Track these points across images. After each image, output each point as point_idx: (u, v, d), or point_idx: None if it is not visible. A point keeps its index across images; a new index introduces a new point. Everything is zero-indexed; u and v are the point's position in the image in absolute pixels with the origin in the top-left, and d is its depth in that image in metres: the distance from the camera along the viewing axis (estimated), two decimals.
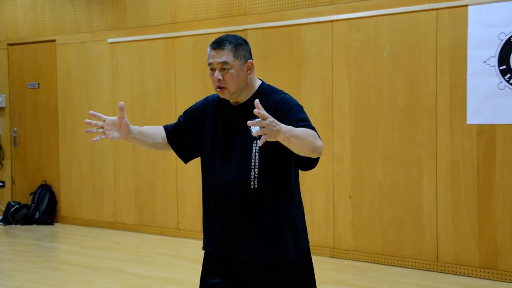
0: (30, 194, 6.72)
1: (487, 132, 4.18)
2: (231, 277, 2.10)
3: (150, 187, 5.91)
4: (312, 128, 1.95)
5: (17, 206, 6.60)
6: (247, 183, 2.01)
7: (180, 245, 5.46)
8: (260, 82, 2.13)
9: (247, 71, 2.05)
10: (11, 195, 6.98)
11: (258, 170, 2.01)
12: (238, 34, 5.13)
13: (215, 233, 2.10)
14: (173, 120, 5.61)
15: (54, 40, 6.55)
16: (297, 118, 1.97)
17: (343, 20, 4.73)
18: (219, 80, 2.01)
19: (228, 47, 2.01)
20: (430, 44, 4.36)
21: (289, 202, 2.07)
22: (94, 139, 1.99)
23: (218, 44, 2.02)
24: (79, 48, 6.35)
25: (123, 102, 2.06)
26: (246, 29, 5.20)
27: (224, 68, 2.00)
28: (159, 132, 2.23)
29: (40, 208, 6.56)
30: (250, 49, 2.09)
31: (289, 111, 2.00)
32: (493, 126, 4.15)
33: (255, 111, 1.74)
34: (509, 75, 4.08)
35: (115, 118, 2.03)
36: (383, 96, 4.58)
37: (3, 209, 6.79)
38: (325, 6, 4.82)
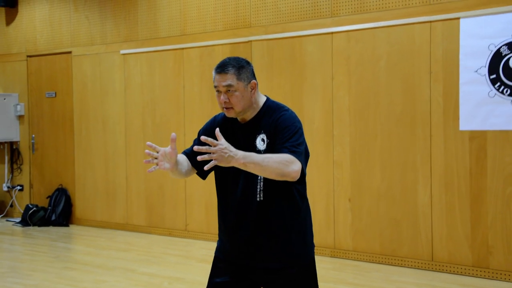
0: (47, 197, 6.77)
1: (478, 138, 4.22)
2: (239, 277, 2.14)
3: (160, 191, 5.95)
4: (294, 152, 1.96)
5: (34, 208, 6.66)
6: (253, 196, 2.07)
7: (189, 245, 5.47)
8: (265, 98, 2.17)
9: (251, 91, 2.09)
10: (29, 198, 7.04)
11: (263, 184, 2.05)
12: (243, 45, 5.38)
13: (227, 243, 2.17)
14: (181, 127, 5.84)
15: (70, 52, 6.61)
16: (282, 141, 2.01)
17: (342, 32, 4.79)
18: (225, 102, 2.06)
19: (231, 70, 2.06)
20: (425, 54, 4.41)
21: (295, 210, 2.12)
22: (150, 170, 2.00)
23: (221, 68, 2.08)
24: (94, 59, 6.41)
25: (175, 134, 2.02)
26: (251, 41, 5.26)
27: (229, 90, 2.05)
28: (184, 159, 2.20)
29: (57, 211, 6.61)
30: (252, 70, 2.13)
31: (281, 131, 2.04)
32: (484, 133, 4.19)
33: (202, 138, 1.83)
34: (499, 83, 4.15)
35: (168, 149, 1.99)
36: (381, 104, 4.63)
37: (22, 211, 6.86)
38: (326, 18, 4.89)
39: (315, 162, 4.95)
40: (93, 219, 6.54)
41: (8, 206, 7.25)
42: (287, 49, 5.09)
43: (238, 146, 2.07)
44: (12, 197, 7.22)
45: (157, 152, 2.01)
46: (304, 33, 4.97)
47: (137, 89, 6.13)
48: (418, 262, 4.52)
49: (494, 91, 4.18)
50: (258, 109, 2.14)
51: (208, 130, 2.24)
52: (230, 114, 2.12)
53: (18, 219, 6.89)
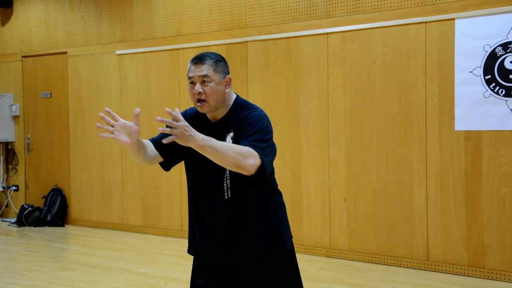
0: (42, 198, 6.78)
1: (474, 138, 4.23)
2: (219, 276, 2.13)
3: (156, 191, 5.96)
4: (255, 146, 1.93)
5: (30, 209, 6.66)
6: (221, 194, 2.06)
7: (184, 245, 5.24)
8: (235, 96, 2.15)
9: (225, 86, 2.08)
10: (24, 198, 7.04)
11: (230, 181, 2.05)
12: (239, 46, 5.39)
13: (197, 241, 2.16)
14: None
15: (65, 52, 6.61)
16: (247, 135, 1.99)
17: (338, 33, 4.79)
18: (199, 93, 2.03)
19: (209, 62, 2.05)
20: (420, 55, 4.43)
21: (265, 204, 2.11)
22: (103, 135, 1.94)
23: (199, 59, 2.06)
24: (89, 60, 6.41)
25: (139, 109, 2.00)
26: (246, 41, 5.27)
27: (204, 81, 2.03)
28: (150, 145, 2.18)
29: (52, 211, 6.61)
30: (228, 66, 2.14)
31: (247, 127, 2.02)
32: (479, 133, 4.21)
33: (166, 110, 1.80)
34: (493, 84, 4.16)
35: (128, 122, 1.97)
36: (376, 105, 4.65)
37: (17, 211, 6.86)
38: (321, 19, 4.90)
39: (311, 162, 4.96)
40: (88, 219, 6.54)
41: (4, 207, 7.25)
42: (283, 49, 5.09)
43: None
44: (7, 198, 7.21)
45: (116, 121, 1.96)
46: (300, 34, 4.98)
47: (133, 89, 6.13)
48: (414, 262, 4.53)
49: (489, 91, 4.20)
50: (229, 107, 2.12)
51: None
52: (203, 109, 2.08)
53: (14, 220, 6.89)
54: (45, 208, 6.70)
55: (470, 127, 4.26)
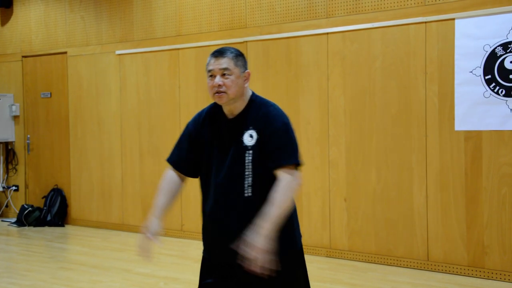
0: (42, 198, 6.78)
1: (474, 138, 4.24)
2: (227, 276, 2.14)
3: (156, 191, 6.02)
4: (287, 166, 2.00)
5: (30, 209, 6.66)
6: (241, 192, 2.06)
7: (184, 246, 5.49)
8: (251, 92, 2.19)
9: (244, 80, 2.12)
10: (24, 198, 7.05)
11: (252, 179, 2.06)
12: (239, 46, 5.40)
13: (212, 241, 2.17)
14: (176, 127, 5.84)
15: (65, 52, 6.61)
16: (273, 148, 2.03)
17: (338, 33, 4.80)
18: (219, 85, 2.06)
19: (230, 55, 2.09)
20: (420, 55, 4.43)
21: None
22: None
23: (220, 53, 2.10)
24: (89, 60, 6.42)
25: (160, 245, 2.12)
26: (246, 41, 5.27)
27: (224, 74, 2.07)
28: (174, 185, 2.26)
29: (52, 211, 6.62)
30: (246, 62, 2.17)
31: (272, 134, 2.05)
32: (479, 133, 4.21)
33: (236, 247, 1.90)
34: (493, 84, 4.17)
35: (147, 244, 2.12)
36: (376, 105, 4.65)
37: (17, 211, 6.87)
38: (321, 19, 4.91)
39: (311, 162, 4.96)
40: (88, 219, 6.55)
41: (4, 207, 7.25)
42: (283, 49, 5.10)
43: (221, 143, 2.12)
44: (7, 198, 7.21)
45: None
46: (300, 34, 4.99)
47: (133, 89, 6.13)
48: (414, 262, 4.54)
49: (489, 91, 4.20)
50: (245, 103, 2.14)
51: (192, 127, 2.24)
52: (221, 100, 2.09)
53: (14, 220, 6.89)
54: (45, 208, 6.71)
55: (470, 127, 4.26)
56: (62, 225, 6.63)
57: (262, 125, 2.07)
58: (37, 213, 6.70)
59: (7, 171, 7.19)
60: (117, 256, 5.16)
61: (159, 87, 5.93)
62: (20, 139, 7.13)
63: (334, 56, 4.84)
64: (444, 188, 4.38)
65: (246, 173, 2.07)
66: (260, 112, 2.10)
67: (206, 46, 5.54)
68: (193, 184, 6.13)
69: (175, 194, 2.25)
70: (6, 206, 7.23)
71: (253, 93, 2.20)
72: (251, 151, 2.07)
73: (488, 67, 4.19)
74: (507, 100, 4.14)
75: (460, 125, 4.30)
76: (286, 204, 1.98)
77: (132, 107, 6.12)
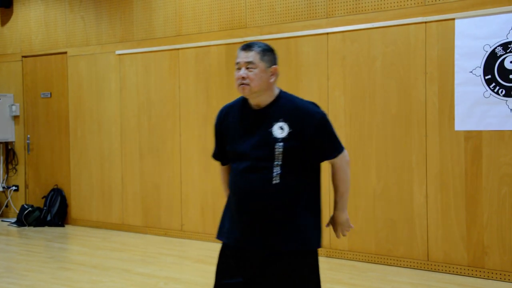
0: (42, 198, 6.79)
1: (474, 138, 4.24)
2: (248, 276, 2.16)
3: (156, 191, 5.97)
4: (337, 153, 2.22)
5: (30, 209, 6.66)
6: (269, 180, 2.11)
7: (184, 246, 5.48)
8: (279, 90, 2.24)
9: (270, 75, 2.16)
10: (24, 198, 7.05)
11: (281, 168, 2.11)
12: (238, 46, 5.34)
13: (236, 227, 2.19)
14: (176, 127, 5.85)
15: (65, 52, 6.62)
16: (329, 147, 2.20)
17: (338, 33, 4.80)
18: (243, 77, 2.12)
19: (257, 50, 2.15)
20: (420, 55, 4.43)
21: (311, 195, 2.18)
22: None
23: (248, 46, 2.17)
24: (89, 60, 6.42)
25: None
26: (246, 41, 5.31)
27: (248, 67, 2.13)
28: (228, 175, 2.38)
29: (52, 211, 6.62)
30: (276, 58, 2.21)
31: (317, 130, 2.15)
32: (479, 133, 4.22)
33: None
34: (493, 84, 4.17)
35: None
36: (376, 105, 4.65)
37: (17, 211, 6.87)
38: (321, 19, 4.91)
39: None
40: (88, 219, 6.55)
41: (4, 207, 7.25)
42: (283, 49, 5.08)
43: (248, 132, 2.18)
44: (7, 198, 7.22)
45: None
46: (300, 34, 4.99)
47: (133, 89, 6.14)
48: (414, 262, 4.54)
49: (489, 91, 4.21)
50: (274, 97, 2.19)
51: (217, 128, 2.36)
52: (244, 91, 2.16)
53: (14, 220, 6.89)
54: (45, 208, 6.71)
55: (470, 127, 4.26)
56: (62, 225, 6.64)
57: (296, 119, 2.13)
58: (37, 213, 6.70)
59: (7, 171, 7.20)
60: (117, 256, 5.15)
61: (159, 87, 5.93)
62: (20, 139, 7.13)
63: (334, 56, 4.84)
64: (444, 188, 4.38)
65: (275, 162, 2.12)
66: (292, 106, 2.16)
67: (206, 46, 5.55)
68: (193, 184, 6.15)
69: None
70: (6, 206, 7.24)
71: (281, 90, 2.25)
72: (281, 143, 2.12)
73: (488, 67, 4.19)
74: (507, 100, 4.14)
75: (460, 125, 4.30)
76: (348, 184, 2.25)
77: (132, 107, 6.12)
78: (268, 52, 2.17)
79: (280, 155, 2.12)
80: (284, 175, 2.12)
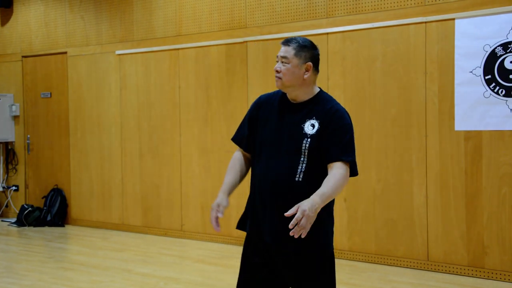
0: (42, 198, 6.79)
1: (474, 138, 4.24)
2: (267, 259, 2.21)
3: (156, 192, 5.97)
4: (345, 158, 2.11)
5: (30, 209, 6.67)
6: (292, 176, 2.13)
7: (184, 246, 5.49)
8: (319, 89, 2.29)
9: (304, 72, 2.19)
10: (24, 198, 7.06)
11: (306, 165, 2.14)
12: (239, 46, 5.39)
13: (258, 219, 2.22)
14: (176, 127, 5.84)
15: (65, 52, 6.62)
16: (337, 142, 2.13)
17: (338, 33, 4.80)
18: (277, 71, 2.20)
19: (293, 45, 2.19)
20: (420, 55, 4.44)
21: None
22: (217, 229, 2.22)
23: (286, 41, 2.23)
24: (89, 60, 6.43)
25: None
26: (246, 41, 5.28)
27: (283, 62, 2.19)
28: (240, 163, 2.35)
29: (52, 211, 6.63)
30: (316, 55, 2.24)
31: (336, 130, 2.15)
32: (479, 133, 4.22)
33: (286, 214, 1.93)
34: (494, 84, 4.17)
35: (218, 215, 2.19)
36: (376, 105, 4.65)
37: (17, 211, 6.87)
38: (321, 19, 4.91)
39: None
40: (88, 219, 6.56)
41: (4, 207, 7.26)
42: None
43: (280, 125, 2.22)
44: (7, 198, 7.22)
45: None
46: (300, 34, 4.97)
47: (133, 89, 6.14)
48: (414, 262, 4.54)
49: (489, 91, 4.21)
50: (312, 95, 2.24)
51: (253, 108, 2.36)
52: (277, 84, 2.22)
53: (14, 220, 6.89)
54: (45, 208, 6.72)
55: (470, 127, 4.27)
56: (62, 225, 6.64)
57: (328, 119, 2.16)
58: (37, 213, 6.71)
59: (7, 171, 7.20)
60: (117, 256, 5.16)
61: (159, 87, 5.94)
62: (20, 139, 7.14)
63: (334, 56, 4.85)
64: (444, 188, 4.38)
65: (301, 159, 2.15)
66: (328, 107, 2.20)
67: (206, 46, 5.56)
68: (193, 184, 6.15)
69: (242, 172, 2.35)
70: (6, 206, 7.24)
71: (321, 90, 2.30)
72: (309, 139, 2.15)
73: (488, 67, 4.19)
74: (507, 100, 4.15)
75: (460, 125, 4.31)
76: (337, 191, 2.07)
77: (132, 107, 6.12)
78: (305, 48, 2.20)
79: (306, 151, 2.15)
80: (307, 172, 2.14)
